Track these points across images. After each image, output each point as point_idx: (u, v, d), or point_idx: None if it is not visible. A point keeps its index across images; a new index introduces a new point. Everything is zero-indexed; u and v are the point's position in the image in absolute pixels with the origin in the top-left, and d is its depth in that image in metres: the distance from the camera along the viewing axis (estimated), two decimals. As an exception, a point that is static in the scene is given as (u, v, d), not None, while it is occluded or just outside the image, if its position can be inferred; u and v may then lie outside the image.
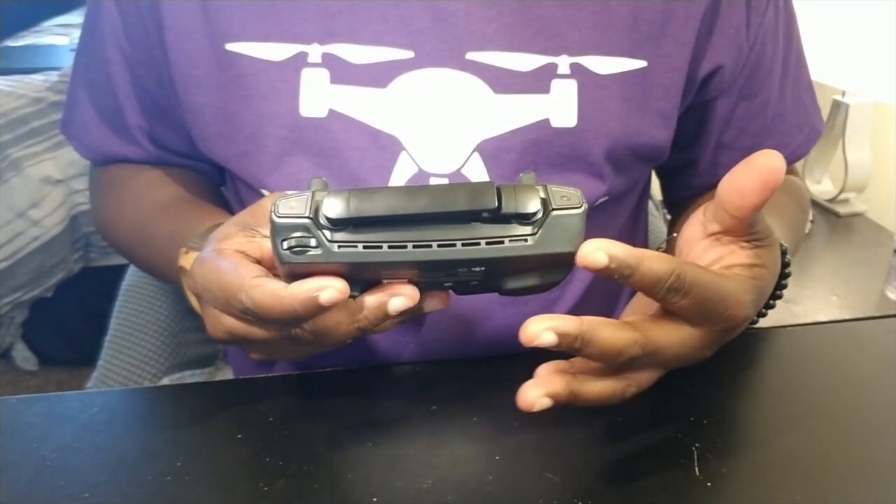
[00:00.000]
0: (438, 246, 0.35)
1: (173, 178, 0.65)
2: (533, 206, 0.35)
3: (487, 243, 0.35)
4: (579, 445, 0.43)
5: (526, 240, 0.36)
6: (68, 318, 1.70)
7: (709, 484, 0.40)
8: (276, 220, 0.35)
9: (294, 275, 0.37)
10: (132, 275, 0.84)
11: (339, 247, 0.35)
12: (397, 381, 0.49)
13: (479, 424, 0.44)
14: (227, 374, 0.81)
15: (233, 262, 0.40)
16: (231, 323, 0.42)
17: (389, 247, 0.35)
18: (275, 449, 0.42)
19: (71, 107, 0.66)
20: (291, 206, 0.35)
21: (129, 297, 0.80)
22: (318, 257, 0.36)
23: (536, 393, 0.38)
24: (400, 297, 0.39)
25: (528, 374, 0.47)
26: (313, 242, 0.35)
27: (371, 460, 0.42)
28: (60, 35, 2.07)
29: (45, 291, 1.64)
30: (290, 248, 0.36)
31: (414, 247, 0.35)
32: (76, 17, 2.20)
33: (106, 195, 0.67)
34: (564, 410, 0.45)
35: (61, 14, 2.20)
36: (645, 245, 0.74)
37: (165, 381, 0.77)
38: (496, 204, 0.35)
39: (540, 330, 0.36)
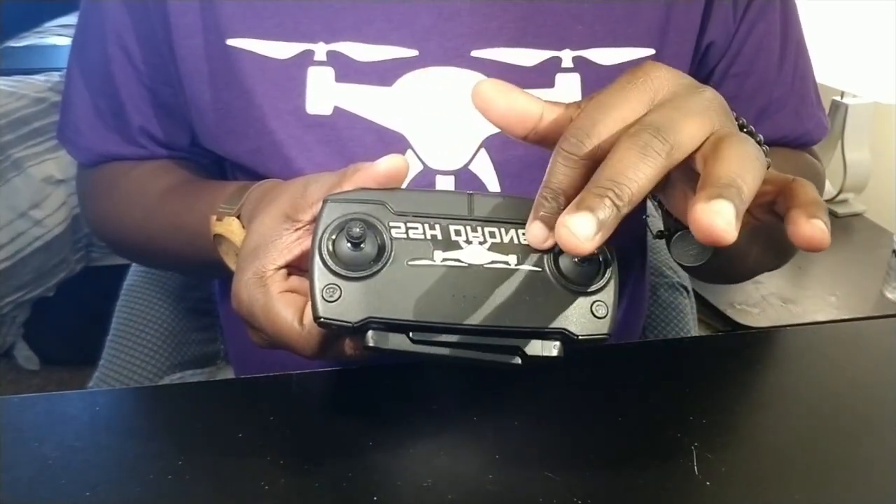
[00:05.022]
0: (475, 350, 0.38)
1: (176, 164, 0.64)
2: (556, 351, 0.38)
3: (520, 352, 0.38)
4: (579, 445, 0.43)
5: (553, 350, 0.38)
6: (70, 317, 1.70)
7: (708, 483, 0.40)
8: (324, 321, 0.36)
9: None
10: (134, 274, 0.84)
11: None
12: (397, 381, 0.49)
13: (479, 424, 0.45)
14: (227, 373, 0.82)
15: (286, 311, 0.41)
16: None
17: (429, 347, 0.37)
18: (275, 449, 0.42)
19: (65, 112, 0.64)
20: (337, 309, 0.36)
21: (130, 297, 0.81)
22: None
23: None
24: None
25: (528, 375, 0.47)
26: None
27: (371, 460, 0.42)
28: (62, 35, 2.06)
29: (46, 291, 1.64)
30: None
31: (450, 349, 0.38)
32: (78, 18, 2.19)
33: (106, 192, 0.66)
34: (564, 410, 0.45)
35: (63, 15, 2.19)
36: (644, 245, 0.74)
37: (166, 380, 0.77)
38: (519, 362, 0.38)
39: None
